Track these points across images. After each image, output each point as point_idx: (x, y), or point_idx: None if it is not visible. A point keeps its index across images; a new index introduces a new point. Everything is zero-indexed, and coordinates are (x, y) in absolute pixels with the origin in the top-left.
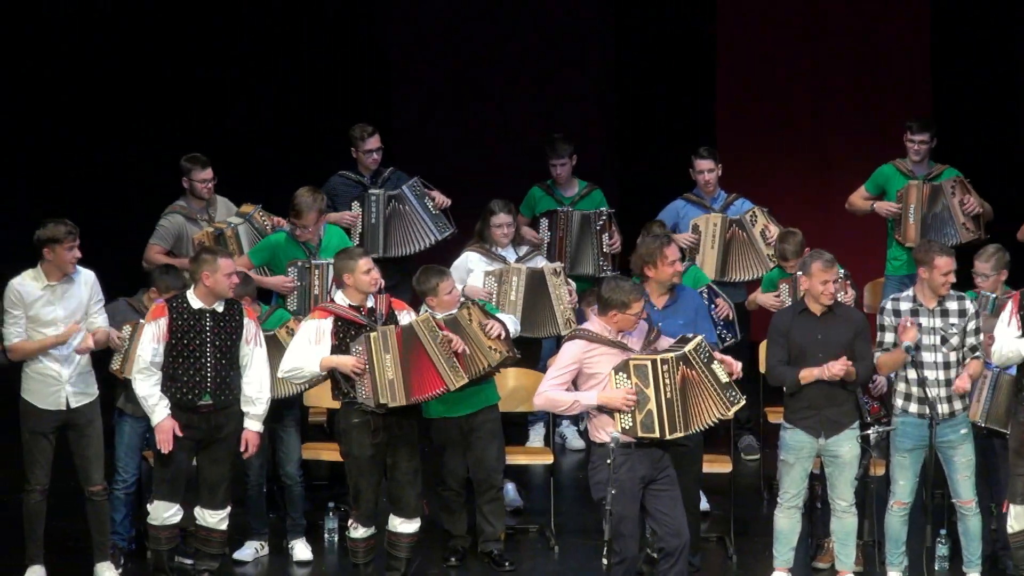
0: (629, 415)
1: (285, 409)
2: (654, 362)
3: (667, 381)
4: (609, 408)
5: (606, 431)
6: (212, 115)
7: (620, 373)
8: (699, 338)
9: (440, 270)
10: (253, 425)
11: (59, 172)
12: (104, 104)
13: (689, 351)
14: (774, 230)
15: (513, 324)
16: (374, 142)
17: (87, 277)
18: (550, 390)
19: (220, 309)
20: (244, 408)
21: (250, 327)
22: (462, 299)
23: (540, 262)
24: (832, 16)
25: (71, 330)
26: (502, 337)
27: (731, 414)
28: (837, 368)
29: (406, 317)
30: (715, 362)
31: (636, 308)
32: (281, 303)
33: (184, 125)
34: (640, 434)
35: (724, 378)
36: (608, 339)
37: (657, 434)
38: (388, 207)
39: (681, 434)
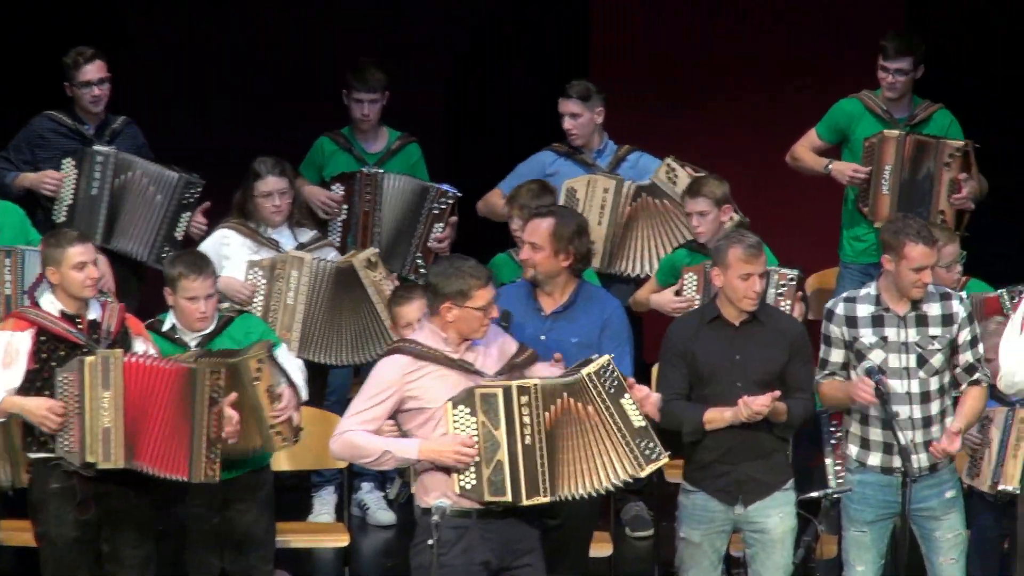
0: (473, 469)
1: None
2: (507, 390)
3: (527, 419)
4: (439, 463)
5: (437, 495)
6: None
7: (461, 407)
8: (605, 359)
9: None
10: None
11: None
12: None
13: (587, 375)
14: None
15: (303, 388)
16: (95, 70)
17: None
18: (353, 431)
19: None
20: None
21: None
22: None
23: (331, 255)
24: None
25: None
26: (293, 421)
27: (645, 473)
28: (760, 404)
29: (141, 346)
30: (626, 395)
31: (481, 299)
32: None
33: None
34: (489, 497)
35: (638, 421)
36: (442, 354)
37: (509, 497)
38: (120, 177)
39: (544, 500)
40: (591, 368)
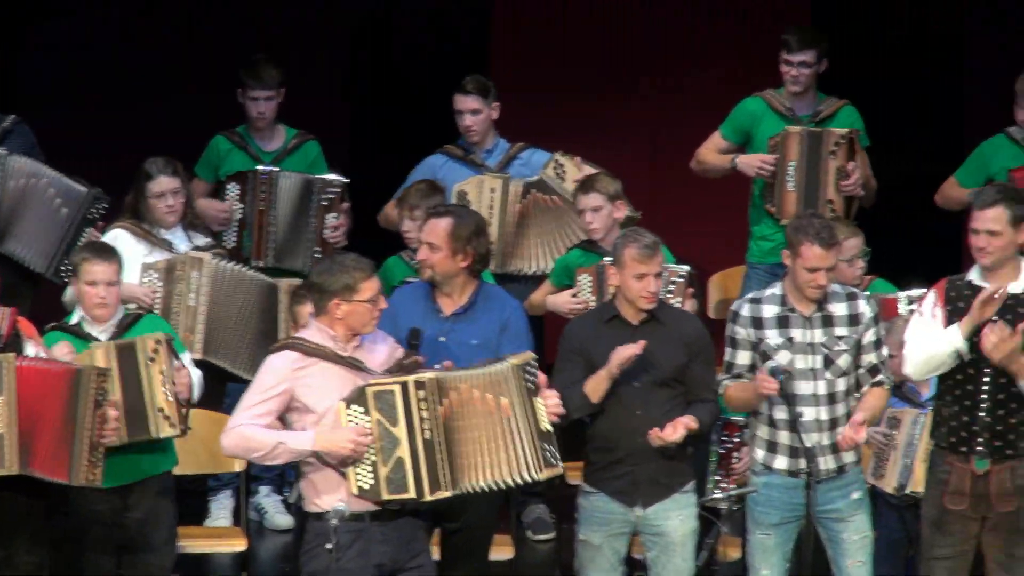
0: (369, 468)
1: None
2: (404, 386)
3: (425, 414)
4: (334, 457)
5: (329, 497)
6: None
7: (354, 406)
8: (528, 354)
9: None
10: None
11: None
12: None
13: (512, 366)
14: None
15: (199, 387)
16: None
17: None
18: (245, 425)
19: None
20: None
21: None
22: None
23: (224, 260)
24: None
25: None
26: (183, 411)
27: (542, 477)
28: (672, 438)
29: (32, 349)
30: (539, 397)
31: (368, 290)
32: None
33: None
34: (387, 496)
35: (545, 424)
36: (331, 351)
37: (412, 494)
38: (20, 181)
39: (447, 494)
40: (516, 360)
